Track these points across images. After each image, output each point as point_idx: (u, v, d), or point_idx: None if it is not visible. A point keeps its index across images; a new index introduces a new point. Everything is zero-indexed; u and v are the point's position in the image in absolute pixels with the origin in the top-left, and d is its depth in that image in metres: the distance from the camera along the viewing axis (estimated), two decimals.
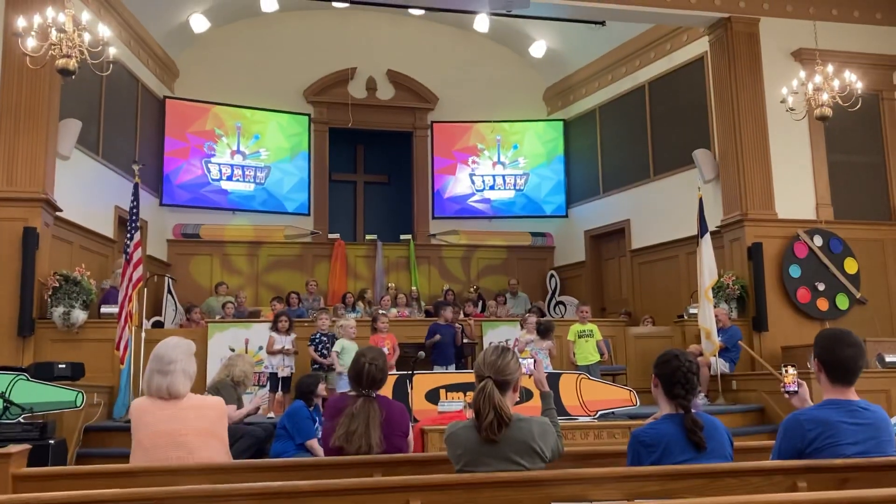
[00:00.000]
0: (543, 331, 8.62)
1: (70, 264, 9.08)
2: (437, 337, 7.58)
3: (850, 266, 10.41)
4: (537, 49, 14.34)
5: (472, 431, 2.91)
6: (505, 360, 2.97)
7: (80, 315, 8.56)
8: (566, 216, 14.55)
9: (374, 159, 15.30)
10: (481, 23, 13.67)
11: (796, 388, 3.37)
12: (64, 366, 7.53)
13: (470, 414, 3.18)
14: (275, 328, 8.75)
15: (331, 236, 14.02)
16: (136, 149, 11.85)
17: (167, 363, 3.44)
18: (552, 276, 14.37)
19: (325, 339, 8.82)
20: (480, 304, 12.74)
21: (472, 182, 14.66)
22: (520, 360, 3.07)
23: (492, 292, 13.41)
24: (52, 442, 6.34)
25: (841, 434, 2.93)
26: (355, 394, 3.57)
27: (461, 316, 10.67)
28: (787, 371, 3.46)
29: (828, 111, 8.84)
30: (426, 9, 13.39)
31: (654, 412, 3.10)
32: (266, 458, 5.91)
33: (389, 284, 13.26)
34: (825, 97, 8.84)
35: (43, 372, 7.19)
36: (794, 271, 10.24)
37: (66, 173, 9.40)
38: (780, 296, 10.20)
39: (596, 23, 12.36)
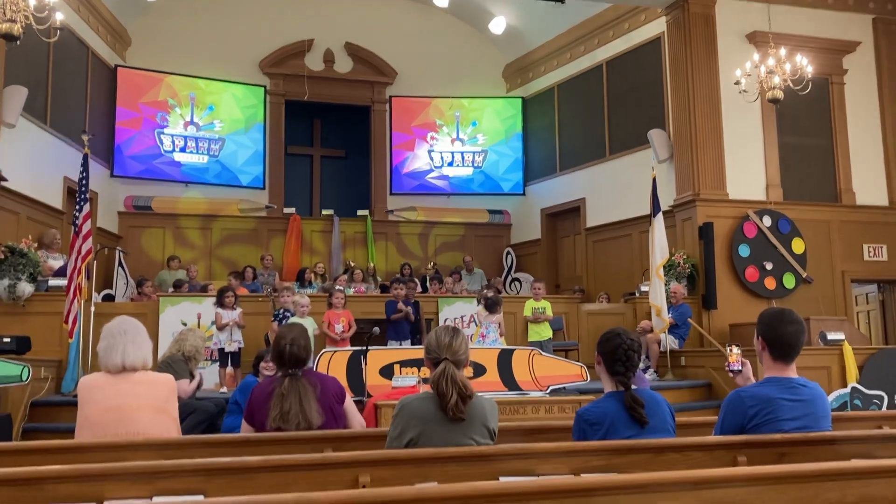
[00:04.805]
0: (491, 305, 8.71)
1: (16, 236, 8.86)
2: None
3: (798, 246, 10.67)
4: (497, 25, 14.28)
5: (428, 404, 2.98)
6: (458, 341, 3.11)
7: (26, 288, 8.36)
8: (523, 194, 14.61)
9: (331, 133, 15.13)
10: None
11: (740, 367, 3.47)
12: (9, 339, 7.33)
13: (423, 389, 3.22)
14: (220, 304, 8.66)
15: (286, 210, 13.88)
16: (86, 118, 11.56)
17: (123, 335, 3.42)
18: (508, 253, 14.47)
19: (289, 314, 8.76)
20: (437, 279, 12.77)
21: (431, 158, 14.62)
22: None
23: (449, 269, 13.45)
24: None
25: (780, 410, 3.02)
26: (281, 374, 3.57)
27: (418, 290, 10.68)
28: (731, 351, 3.56)
29: (779, 94, 9.00)
30: None
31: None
32: (218, 433, 5.88)
33: (351, 262, 13.19)
34: (777, 80, 8.99)
35: None
36: (744, 251, 10.46)
37: (11, 142, 9.13)
38: (729, 274, 10.43)
39: (556, 0, 12.36)
